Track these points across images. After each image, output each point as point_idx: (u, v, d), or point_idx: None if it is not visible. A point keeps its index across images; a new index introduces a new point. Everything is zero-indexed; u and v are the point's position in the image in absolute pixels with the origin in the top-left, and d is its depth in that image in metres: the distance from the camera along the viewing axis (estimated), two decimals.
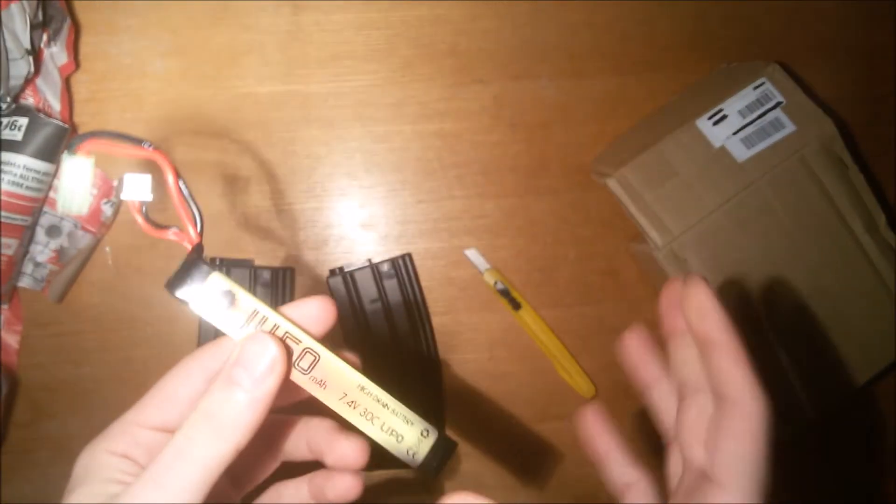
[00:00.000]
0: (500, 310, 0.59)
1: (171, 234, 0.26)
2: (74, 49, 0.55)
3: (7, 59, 0.49)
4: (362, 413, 0.26)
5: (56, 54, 0.54)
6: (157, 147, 0.25)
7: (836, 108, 0.59)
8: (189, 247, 0.26)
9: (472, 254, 0.59)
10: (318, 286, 0.58)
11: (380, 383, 0.26)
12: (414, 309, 0.57)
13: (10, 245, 0.51)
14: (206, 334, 0.55)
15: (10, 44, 0.49)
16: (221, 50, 0.58)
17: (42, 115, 0.50)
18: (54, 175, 0.53)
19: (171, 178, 0.26)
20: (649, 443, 0.61)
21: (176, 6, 0.57)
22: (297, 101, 0.58)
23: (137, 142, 0.26)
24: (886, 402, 0.64)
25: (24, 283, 0.55)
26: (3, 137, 0.49)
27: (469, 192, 0.59)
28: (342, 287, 0.56)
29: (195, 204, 0.26)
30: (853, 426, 0.63)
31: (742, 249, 0.53)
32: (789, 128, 0.53)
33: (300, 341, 0.26)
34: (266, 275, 0.56)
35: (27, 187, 0.50)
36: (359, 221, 0.59)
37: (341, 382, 0.26)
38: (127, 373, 0.56)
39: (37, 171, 0.50)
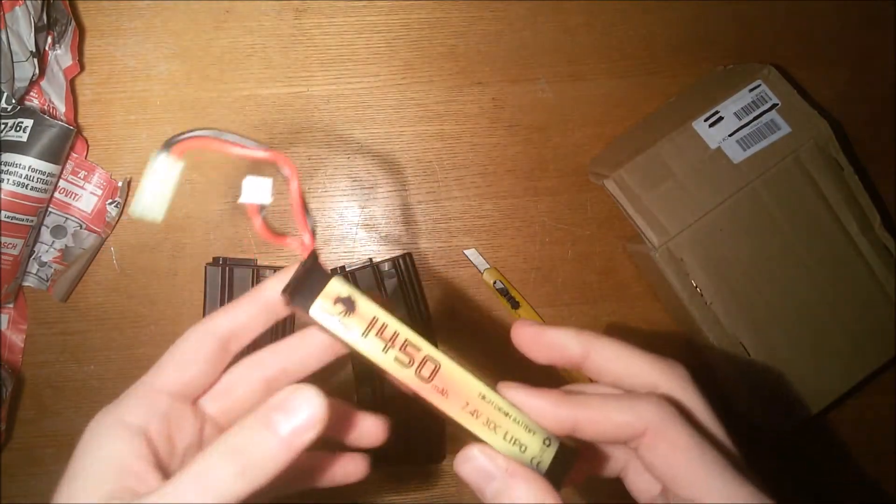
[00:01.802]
0: (500, 309, 0.60)
1: (288, 241, 0.26)
2: (79, 51, 0.56)
3: (12, 61, 0.50)
4: (485, 423, 0.25)
5: (61, 57, 0.55)
6: (275, 149, 0.24)
7: (831, 110, 0.59)
8: (304, 254, 0.26)
9: (472, 253, 0.60)
10: None
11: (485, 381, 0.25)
12: (414, 308, 0.58)
13: (16, 245, 0.52)
14: None
15: (15, 46, 0.49)
16: (225, 53, 0.58)
17: (47, 117, 0.51)
18: (59, 176, 0.54)
19: (294, 184, 0.25)
20: None
21: (180, 9, 0.58)
22: (299, 104, 0.59)
23: (253, 144, 0.24)
24: (883, 400, 0.64)
25: (30, 282, 0.55)
26: (9, 139, 0.50)
27: (468, 193, 0.60)
28: None
29: (309, 213, 0.26)
30: (851, 425, 0.64)
31: (738, 250, 0.53)
32: (784, 129, 0.53)
33: (420, 349, 0.25)
34: (268, 274, 0.56)
35: (32, 188, 0.51)
36: (360, 221, 0.59)
37: (463, 391, 0.25)
38: (131, 371, 0.57)
39: (42, 173, 0.51)
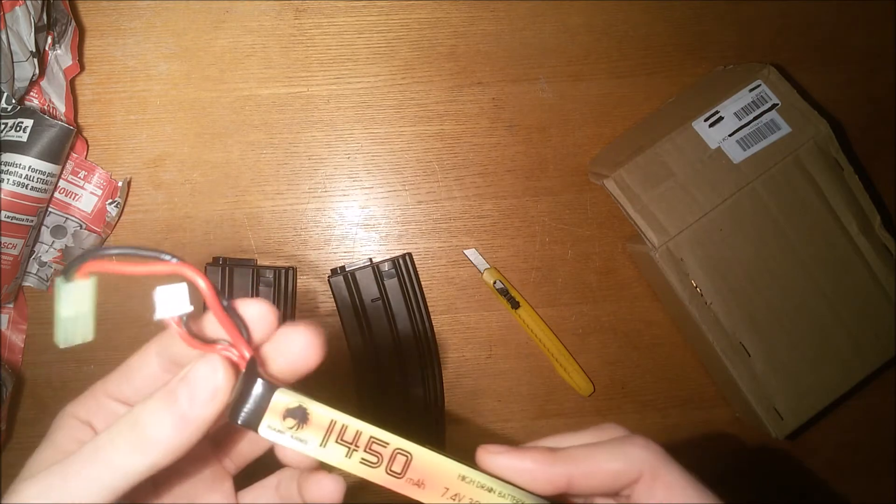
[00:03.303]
0: (499, 308, 0.60)
1: (220, 350, 0.23)
2: (79, 51, 0.56)
3: (12, 61, 0.50)
4: None
5: (61, 57, 0.55)
6: (182, 258, 0.22)
7: (831, 110, 0.59)
8: (241, 364, 0.23)
9: (472, 253, 0.60)
10: (320, 285, 0.59)
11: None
12: (414, 308, 0.58)
13: (16, 245, 0.52)
14: None
15: (15, 46, 0.49)
16: (225, 52, 0.58)
17: (47, 117, 0.50)
18: (59, 176, 0.54)
19: (207, 293, 0.22)
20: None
21: (180, 9, 0.58)
22: (299, 103, 0.59)
23: (155, 256, 0.22)
24: (883, 400, 0.64)
25: (30, 282, 0.55)
26: (9, 139, 0.50)
27: (468, 193, 0.60)
28: (343, 286, 0.57)
29: (237, 315, 0.23)
30: (851, 425, 0.64)
31: (737, 249, 0.53)
32: (784, 129, 0.53)
33: (388, 443, 0.23)
34: (268, 274, 0.56)
35: (32, 188, 0.51)
36: (360, 221, 0.59)
37: (440, 477, 0.23)
38: None
39: (42, 173, 0.51)
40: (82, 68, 0.57)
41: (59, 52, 0.54)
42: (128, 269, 0.22)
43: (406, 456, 0.23)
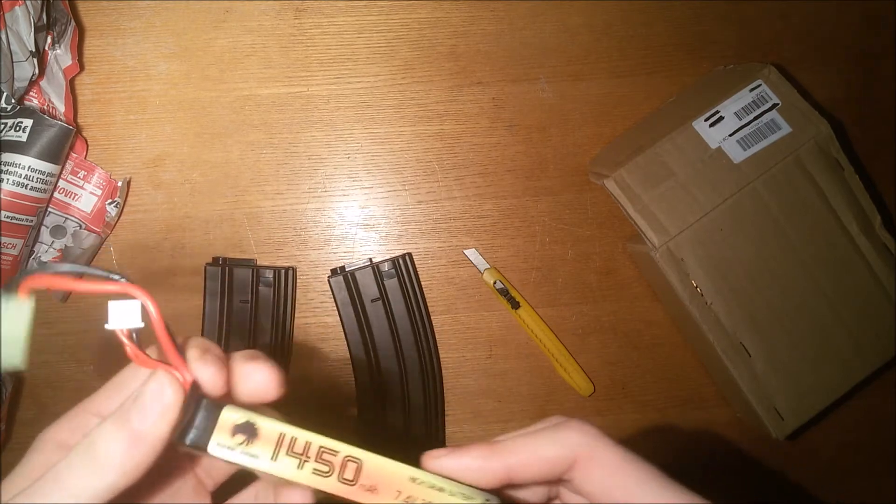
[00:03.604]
0: (499, 308, 0.60)
1: (163, 368, 0.23)
2: (79, 51, 0.56)
3: (12, 61, 0.50)
4: None
5: (60, 56, 0.54)
6: (129, 279, 0.22)
7: (832, 110, 0.59)
8: (185, 385, 0.23)
9: (472, 253, 0.60)
10: (320, 285, 0.58)
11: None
12: (414, 308, 0.57)
13: (15, 245, 0.52)
14: (210, 333, 0.56)
15: (14, 46, 0.49)
16: (224, 52, 0.58)
17: (46, 117, 0.50)
18: (58, 176, 0.54)
19: (154, 314, 0.22)
20: (648, 439, 0.62)
21: (180, 9, 0.58)
22: (299, 103, 0.59)
23: (103, 275, 0.22)
24: (884, 400, 0.64)
25: None
26: (8, 139, 0.50)
27: (468, 193, 0.60)
28: (343, 286, 0.57)
29: (176, 342, 0.23)
30: (852, 425, 0.64)
31: (738, 249, 0.53)
32: (785, 129, 0.53)
33: (338, 451, 0.24)
34: (268, 274, 0.56)
35: (32, 188, 0.51)
36: (360, 221, 0.59)
37: (392, 481, 0.24)
38: None
39: (41, 172, 0.51)
40: (82, 68, 0.57)
41: (58, 51, 0.54)
42: (78, 286, 0.22)
43: (356, 462, 0.24)
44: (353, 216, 0.59)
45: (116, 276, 0.22)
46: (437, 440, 0.58)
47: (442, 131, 0.60)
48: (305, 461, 0.23)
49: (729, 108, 0.54)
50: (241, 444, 0.23)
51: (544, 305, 0.60)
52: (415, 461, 0.25)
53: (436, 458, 0.25)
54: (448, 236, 0.60)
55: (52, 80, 0.54)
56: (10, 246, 0.51)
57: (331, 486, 0.24)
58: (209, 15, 0.58)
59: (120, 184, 0.56)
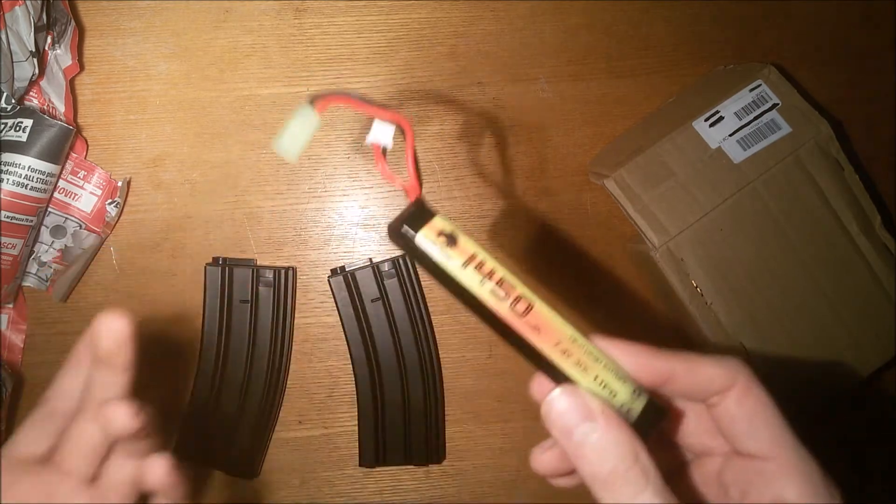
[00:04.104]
0: None
1: (399, 182, 0.28)
2: (79, 51, 0.56)
3: (12, 61, 0.50)
4: (576, 363, 0.25)
5: (60, 56, 0.54)
6: (400, 113, 0.27)
7: (832, 110, 0.59)
8: (412, 196, 0.27)
9: None
10: (320, 285, 0.58)
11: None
12: (414, 308, 0.57)
13: (15, 245, 0.52)
14: (210, 333, 0.56)
15: (14, 46, 0.49)
16: (224, 52, 0.58)
17: (46, 117, 0.50)
18: (58, 176, 0.54)
19: (410, 139, 0.27)
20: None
21: (179, 9, 0.58)
22: (298, 103, 0.59)
23: (380, 107, 0.28)
24: (884, 400, 0.64)
25: (29, 282, 0.55)
26: (8, 139, 0.50)
27: (468, 193, 0.60)
28: (343, 286, 0.57)
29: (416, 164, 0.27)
30: (851, 424, 0.64)
31: (738, 249, 0.53)
32: (785, 129, 0.53)
33: (515, 287, 0.26)
34: (268, 274, 0.56)
35: (32, 188, 0.51)
36: (360, 221, 0.59)
37: (555, 331, 0.25)
38: None
39: (41, 172, 0.51)
40: (82, 68, 0.57)
41: (58, 51, 0.54)
42: (363, 108, 0.28)
43: (529, 303, 0.25)
44: (353, 216, 0.59)
45: (386, 109, 0.27)
46: (437, 440, 0.58)
47: (442, 131, 0.60)
48: (487, 281, 0.26)
49: (729, 108, 0.54)
50: (442, 244, 0.26)
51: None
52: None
53: (603, 340, 0.26)
54: None
55: (52, 80, 0.54)
56: (10, 246, 0.51)
57: (502, 309, 0.26)
58: (209, 15, 0.58)
59: (120, 184, 0.56)
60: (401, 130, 0.27)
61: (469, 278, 0.26)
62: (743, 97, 0.54)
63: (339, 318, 0.57)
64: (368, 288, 0.57)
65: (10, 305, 0.56)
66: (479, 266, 0.25)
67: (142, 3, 0.57)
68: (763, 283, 0.53)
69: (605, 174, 0.56)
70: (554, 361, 0.25)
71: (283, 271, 0.57)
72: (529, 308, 0.25)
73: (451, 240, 0.26)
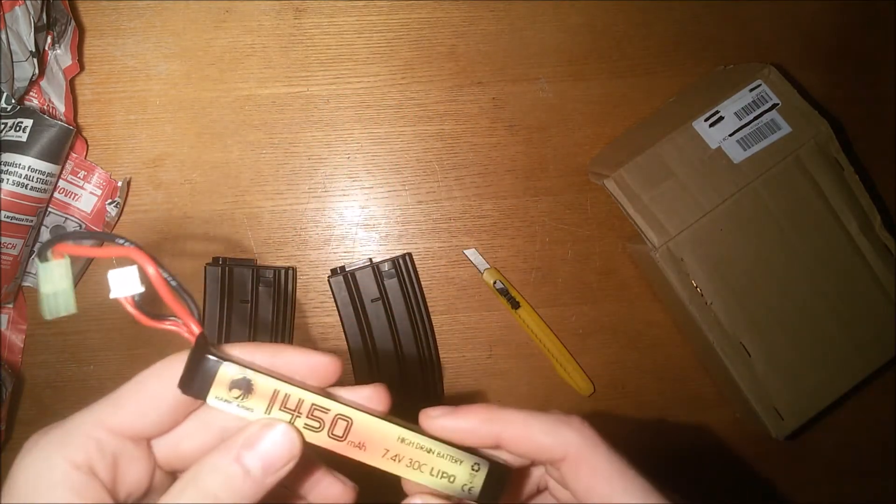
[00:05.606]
0: (499, 308, 0.60)
1: (169, 325, 0.24)
2: (79, 51, 0.56)
3: (12, 61, 0.50)
4: (409, 464, 0.25)
5: (60, 56, 0.54)
6: (134, 243, 0.23)
7: (832, 110, 0.59)
8: (191, 339, 0.24)
9: (472, 253, 0.60)
10: (320, 285, 0.58)
11: (404, 415, 0.26)
12: (414, 308, 0.58)
13: (15, 245, 0.52)
14: (209, 334, 0.56)
15: (14, 46, 0.49)
16: (224, 52, 0.58)
17: (46, 117, 0.50)
18: (58, 176, 0.54)
19: (153, 273, 0.23)
20: (648, 439, 0.62)
21: (180, 9, 0.58)
22: (298, 103, 0.59)
23: (110, 239, 0.24)
24: (884, 400, 0.64)
25: (30, 282, 0.55)
26: (8, 139, 0.50)
27: (468, 193, 0.60)
28: (343, 286, 0.57)
29: (186, 293, 0.24)
30: (851, 425, 0.64)
31: (738, 249, 0.53)
32: (785, 129, 0.53)
33: (329, 409, 0.24)
34: (268, 274, 0.56)
35: (32, 188, 0.51)
36: (360, 221, 0.59)
37: (380, 440, 0.25)
38: (131, 371, 0.56)
39: (41, 173, 0.51)
40: (82, 68, 0.57)
41: (58, 51, 0.54)
42: (90, 252, 0.24)
43: (347, 420, 0.25)
44: (353, 216, 0.59)
45: (121, 241, 0.23)
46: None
47: (442, 131, 0.60)
48: (297, 416, 0.24)
49: (729, 108, 0.54)
50: (237, 397, 0.24)
51: (544, 305, 0.60)
52: (413, 420, 0.26)
53: (432, 418, 0.26)
54: (448, 236, 0.60)
55: (52, 80, 0.54)
56: (10, 246, 0.51)
57: (321, 440, 0.25)
58: (209, 15, 0.58)
59: (120, 184, 0.56)
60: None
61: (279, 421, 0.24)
62: (743, 97, 0.54)
63: (339, 318, 0.57)
64: (368, 288, 0.57)
65: (10, 305, 0.56)
66: (285, 402, 0.24)
67: (142, 3, 0.57)
68: (763, 283, 0.53)
69: (605, 174, 0.56)
70: (387, 470, 0.25)
71: (283, 271, 0.57)
72: (349, 426, 0.25)
73: (246, 387, 0.24)
